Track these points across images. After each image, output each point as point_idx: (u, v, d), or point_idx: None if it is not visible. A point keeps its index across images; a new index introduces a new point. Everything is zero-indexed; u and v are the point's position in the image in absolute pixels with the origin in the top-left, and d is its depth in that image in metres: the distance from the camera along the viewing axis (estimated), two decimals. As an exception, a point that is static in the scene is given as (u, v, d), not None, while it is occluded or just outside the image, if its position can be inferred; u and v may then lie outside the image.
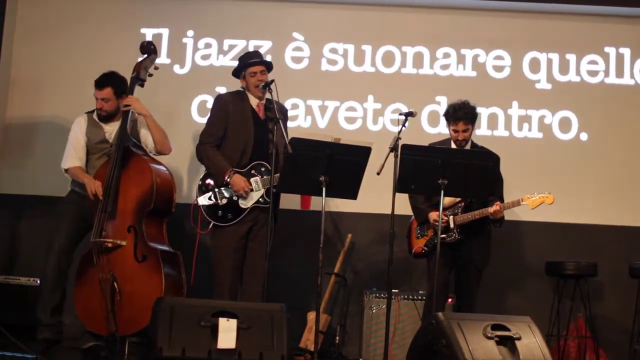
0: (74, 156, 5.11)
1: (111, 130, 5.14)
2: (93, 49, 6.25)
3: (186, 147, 5.97)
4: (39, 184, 5.98)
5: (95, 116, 5.18)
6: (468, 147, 5.20)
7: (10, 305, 5.63)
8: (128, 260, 4.80)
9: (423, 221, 5.28)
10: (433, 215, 5.15)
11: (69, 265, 5.05)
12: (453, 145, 5.21)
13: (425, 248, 5.24)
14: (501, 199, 5.17)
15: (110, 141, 5.13)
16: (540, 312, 5.44)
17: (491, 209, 5.03)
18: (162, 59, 6.21)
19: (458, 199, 5.19)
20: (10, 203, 6.14)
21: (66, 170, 5.13)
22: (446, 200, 5.16)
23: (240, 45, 6.33)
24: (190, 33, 6.36)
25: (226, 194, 4.95)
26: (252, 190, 4.93)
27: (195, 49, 6.35)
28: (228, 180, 4.92)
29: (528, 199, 5.08)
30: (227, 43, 6.36)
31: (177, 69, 6.32)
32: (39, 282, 5.68)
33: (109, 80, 5.11)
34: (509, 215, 5.95)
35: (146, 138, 5.16)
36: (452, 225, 5.14)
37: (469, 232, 5.13)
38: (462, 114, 5.14)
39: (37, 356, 4.53)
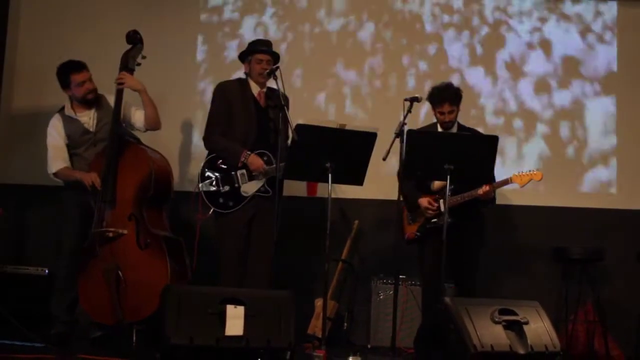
0: (57, 158, 5.09)
1: (87, 119, 5.13)
2: (97, 39, 6.24)
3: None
4: (46, 174, 5.95)
5: (68, 111, 5.15)
6: (455, 128, 5.15)
7: (19, 295, 5.64)
8: (131, 248, 4.80)
9: (413, 207, 5.23)
10: (423, 202, 5.11)
11: (78, 262, 5.03)
12: (439, 129, 5.16)
13: (418, 233, 5.19)
14: (492, 179, 5.09)
15: (91, 130, 5.11)
16: (548, 296, 5.43)
17: (481, 191, 4.94)
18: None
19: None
20: (17, 193, 6.15)
21: (55, 175, 5.11)
22: (436, 184, 5.13)
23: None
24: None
25: (228, 180, 4.93)
26: (267, 170, 4.92)
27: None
28: (244, 161, 4.91)
29: (517, 177, 5.01)
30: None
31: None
32: (47, 271, 5.72)
33: (83, 64, 5.12)
34: (515, 200, 5.96)
35: (133, 115, 5.15)
36: (443, 208, 5.09)
37: (461, 215, 5.01)
38: (447, 95, 5.07)
39: (46, 345, 4.55)
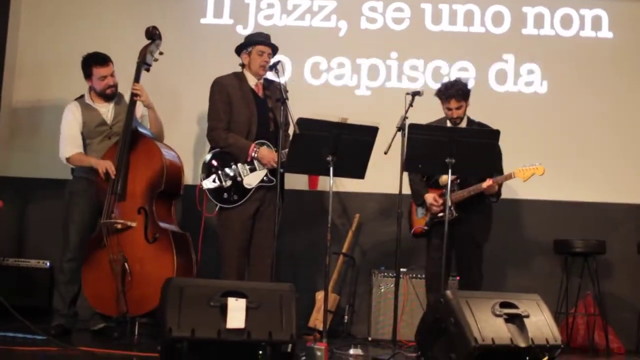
0: (72, 144, 5.08)
1: (105, 110, 5.14)
2: (98, 33, 6.24)
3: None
4: (47, 167, 5.99)
5: (88, 100, 5.15)
6: (464, 123, 5.16)
7: (21, 288, 5.65)
8: (138, 241, 4.82)
9: (420, 202, 5.24)
10: (429, 198, 5.13)
11: (83, 256, 5.02)
12: (448, 124, 5.18)
13: (425, 227, 5.21)
14: (500, 172, 5.10)
15: (108, 122, 5.12)
16: (548, 289, 5.44)
17: (484, 185, 4.97)
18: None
19: (453, 177, 5.15)
20: (19, 186, 6.16)
21: (67, 160, 5.10)
22: (443, 178, 5.14)
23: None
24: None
25: (230, 174, 4.92)
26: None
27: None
28: (255, 156, 4.89)
29: (519, 172, 5.02)
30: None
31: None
32: (48, 264, 5.73)
33: (107, 57, 5.12)
34: (518, 194, 5.94)
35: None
36: (449, 203, 5.11)
37: (467, 209, 5.06)
38: (453, 92, 5.08)
39: (48, 337, 4.56)
